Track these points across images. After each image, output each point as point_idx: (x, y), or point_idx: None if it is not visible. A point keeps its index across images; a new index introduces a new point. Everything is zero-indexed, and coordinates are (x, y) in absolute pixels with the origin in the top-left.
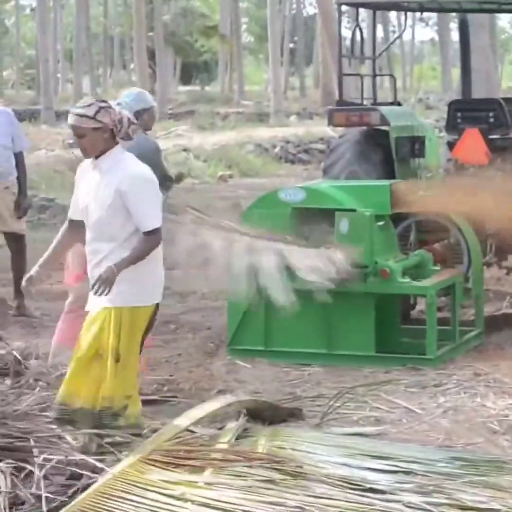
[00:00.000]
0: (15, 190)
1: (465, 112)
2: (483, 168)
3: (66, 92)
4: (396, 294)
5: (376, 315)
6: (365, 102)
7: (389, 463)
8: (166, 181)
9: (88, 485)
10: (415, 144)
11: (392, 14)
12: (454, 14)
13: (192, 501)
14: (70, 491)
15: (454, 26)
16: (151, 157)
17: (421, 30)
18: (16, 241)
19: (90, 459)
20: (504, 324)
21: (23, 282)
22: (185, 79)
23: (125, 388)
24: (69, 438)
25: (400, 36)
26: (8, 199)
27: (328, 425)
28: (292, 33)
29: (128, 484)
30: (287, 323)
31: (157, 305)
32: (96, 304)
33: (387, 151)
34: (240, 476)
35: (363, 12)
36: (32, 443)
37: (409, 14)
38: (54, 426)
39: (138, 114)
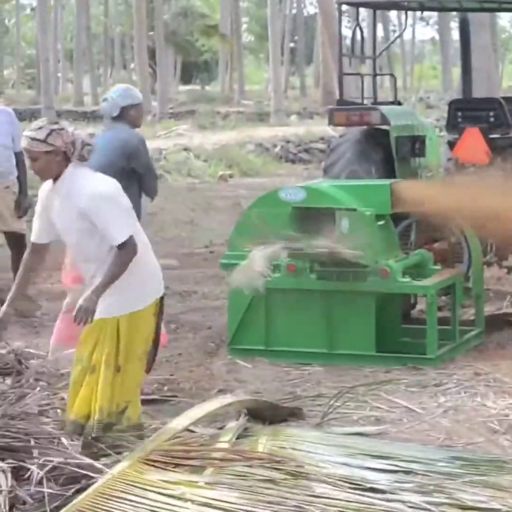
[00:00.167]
0: (16, 190)
1: (466, 111)
2: (484, 168)
3: (67, 91)
4: (396, 294)
5: (377, 315)
6: (365, 102)
7: (389, 463)
8: (151, 174)
9: (88, 485)
10: (416, 144)
11: (393, 13)
12: (454, 13)
13: (192, 501)
14: (70, 491)
15: (454, 25)
16: (136, 145)
17: (422, 29)
18: (16, 241)
19: (90, 460)
20: (505, 323)
21: None
22: (186, 78)
23: (123, 396)
24: (65, 440)
25: (400, 35)
26: (8, 199)
27: (329, 424)
28: (292, 32)
29: (128, 484)
30: (287, 323)
31: (162, 298)
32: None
33: (387, 151)
34: (240, 476)
35: (363, 12)
36: (32, 443)
37: (409, 13)
38: (53, 427)
39: (125, 110)
